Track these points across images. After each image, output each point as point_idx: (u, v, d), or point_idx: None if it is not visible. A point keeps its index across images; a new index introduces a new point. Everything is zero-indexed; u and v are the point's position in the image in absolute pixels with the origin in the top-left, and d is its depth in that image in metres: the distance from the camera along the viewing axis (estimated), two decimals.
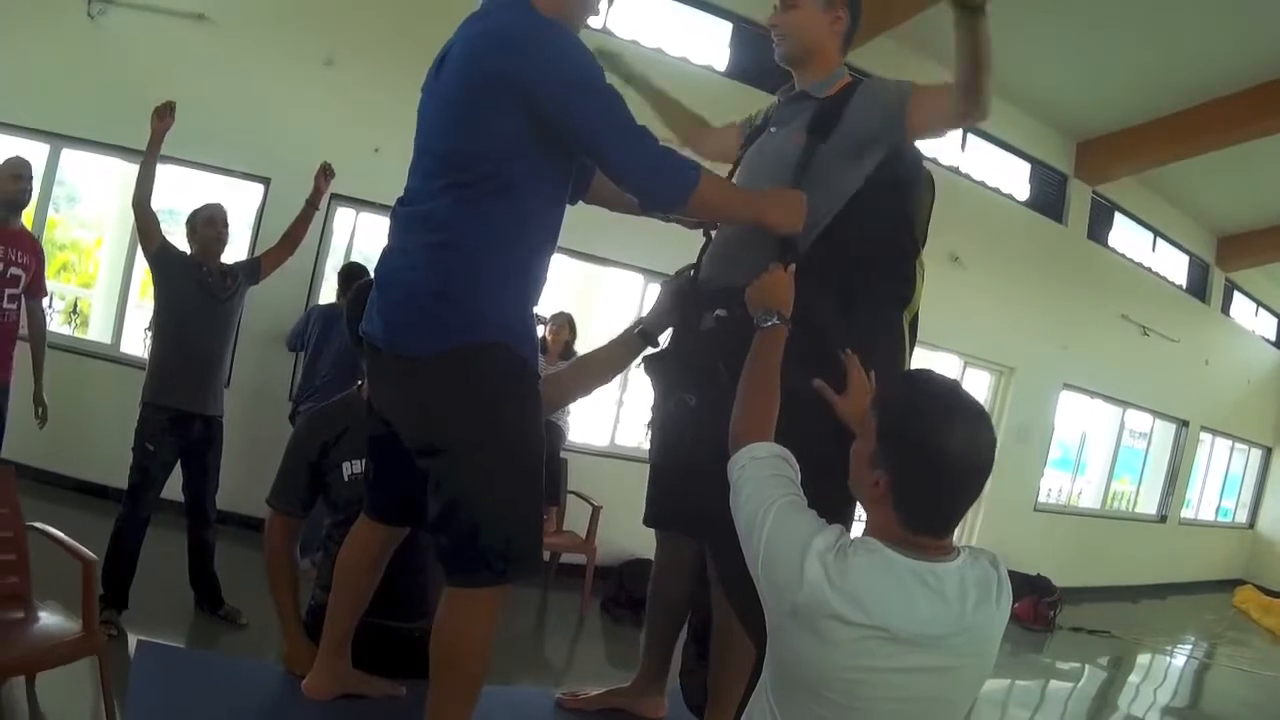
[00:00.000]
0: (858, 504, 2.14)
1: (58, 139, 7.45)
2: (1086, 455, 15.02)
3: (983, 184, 11.69)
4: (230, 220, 5.84)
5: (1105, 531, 14.33)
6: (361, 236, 8.27)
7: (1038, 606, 10.67)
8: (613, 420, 9.32)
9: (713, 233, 2.98)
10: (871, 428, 1.89)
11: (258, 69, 7.65)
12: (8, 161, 5.25)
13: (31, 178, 5.27)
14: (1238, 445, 17.80)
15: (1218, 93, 10.21)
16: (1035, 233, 12.23)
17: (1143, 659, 10.79)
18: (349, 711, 2.75)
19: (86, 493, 6.38)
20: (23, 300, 5.35)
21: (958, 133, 11.20)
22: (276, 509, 3.23)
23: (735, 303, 2.52)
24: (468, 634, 2.36)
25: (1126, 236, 13.74)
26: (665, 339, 3.08)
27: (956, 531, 1.91)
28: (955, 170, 11.31)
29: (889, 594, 1.75)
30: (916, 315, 2.87)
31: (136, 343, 7.92)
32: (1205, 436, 16.50)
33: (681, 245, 2.98)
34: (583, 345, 7.97)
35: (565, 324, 8.01)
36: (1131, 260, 13.87)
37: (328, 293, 8.14)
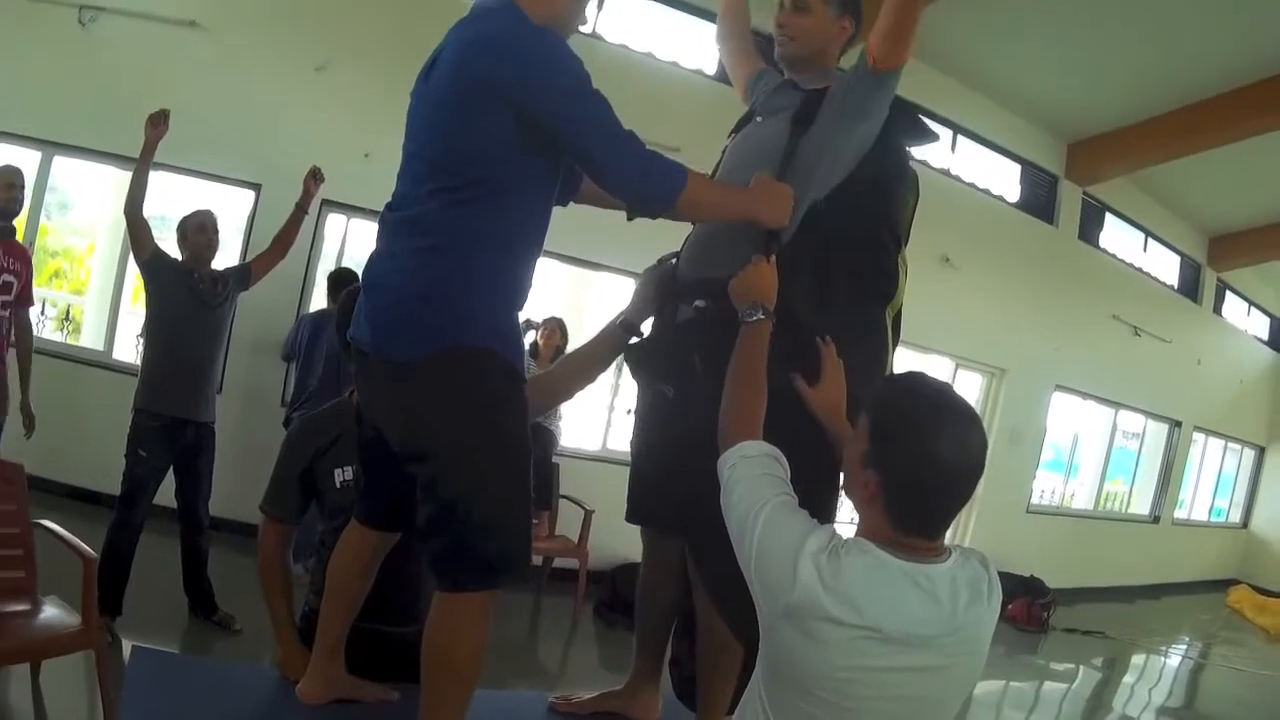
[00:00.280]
0: (840, 503, 2.16)
1: (50, 146, 7.43)
2: (1079, 457, 15.02)
3: (973, 186, 11.71)
4: (221, 226, 5.85)
5: (1098, 532, 14.35)
6: (353, 242, 8.26)
7: (1031, 608, 10.67)
8: (604, 424, 9.33)
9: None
10: (864, 430, 1.90)
11: (249, 75, 7.66)
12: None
13: (23, 186, 5.27)
14: (1231, 445, 17.81)
15: (1208, 92, 10.23)
16: (1026, 234, 12.25)
17: (1137, 659, 10.79)
18: (342, 716, 2.75)
19: (79, 499, 6.38)
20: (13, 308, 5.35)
21: (947, 135, 11.22)
22: (269, 515, 3.23)
23: (715, 294, 2.53)
24: (459, 638, 2.36)
25: (1118, 237, 13.76)
26: (648, 328, 3.08)
27: (949, 533, 1.92)
28: (946, 172, 11.33)
29: (881, 595, 1.76)
30: (899, 312, 2.87)
31: (129, 349, 7.92)
32: (1198, 436, 16.52)
33: (673, 248, 2.98)
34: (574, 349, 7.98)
35: (557, 328, 8.02)
36: (1123, 261, 13.89)
37: (319, 299, 8.13)
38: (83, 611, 4.03)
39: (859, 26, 2.87)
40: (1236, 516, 18.47)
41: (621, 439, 9.10)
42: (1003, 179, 12.14)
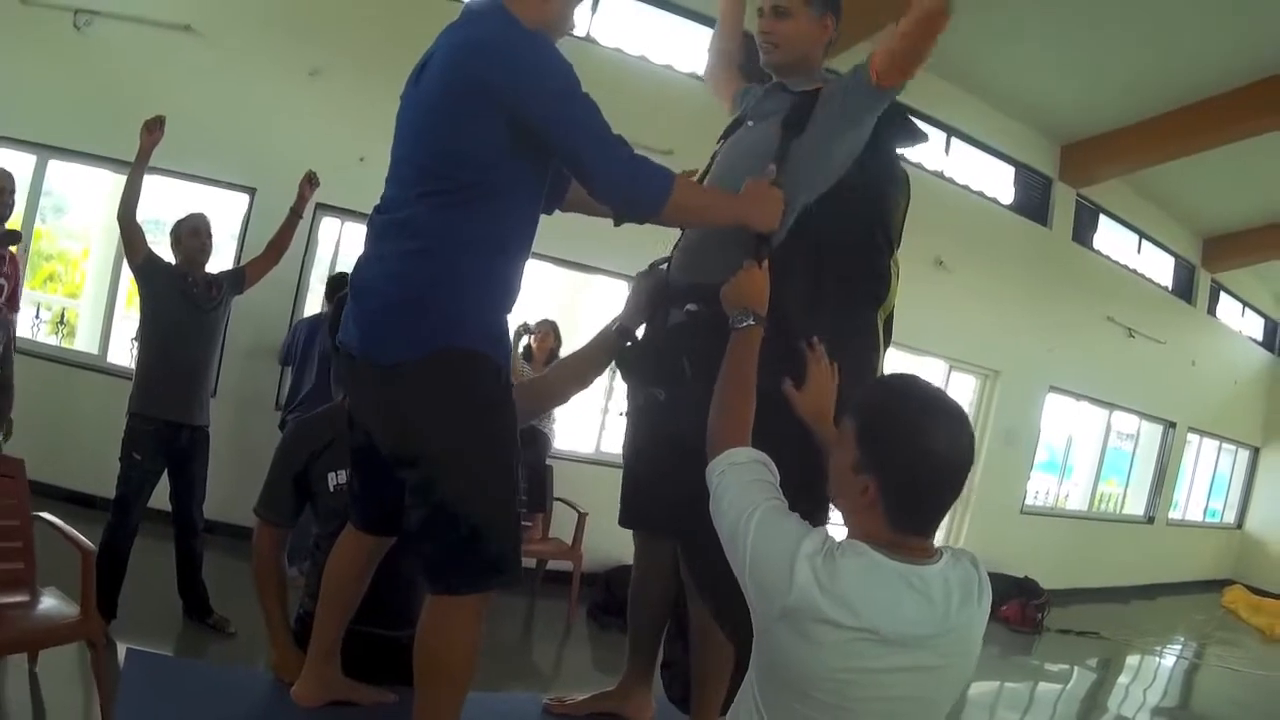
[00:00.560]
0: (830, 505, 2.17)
1: (44, 150, 7.44)
2: (1073, 458, 15.03)
3: (967, 188, 11.72)
4: (215, 230, 5.87)
5: (1093, 533, 14.36)
6: (347, 246, 8.26)
7: (1025, 609, 10.68)
8: (598, 427, 9.33)
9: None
10: (850, 436, 1.91)
11: (244, 79, 7.66)
12: None
13: (13, 190, 5.27)
14: (1225, 445, 17.84)
15: (1202, 94, 10.24)
16: (1020, 236, 12.27)
17: (1132, 660, 10.81)
18: (338, 718, 2.75)
19: (74, 502, 6.36)
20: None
21: (941, 137, 11.23)
22: (264, 519, 3.24)
23: (706, 299, 2.54)
24: (452, 642, 2.37)
25: (1111, 239, 13.78)
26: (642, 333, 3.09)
27: (944, 535, 1.94)
28: (939, 174, 11.34)
29: (877, 596, 1.77)
30: (891, 314, 2.87)
31: (123, 353, 7.92)
32: (1192, 437, 16.54)
33: (665, 252, 2.99)
34: (568, 352, 7.98)
35: (550, 332, 8.02)
36: (1117, 262, 13.90)
37: (313, 303, 8.15)
38: (81, 602, 4.13)
39: (839, 21, 2.86)
40: (1231, 517, 18.49)
41: (615, 442, 9.10)
42: (996, 181, 12.16)
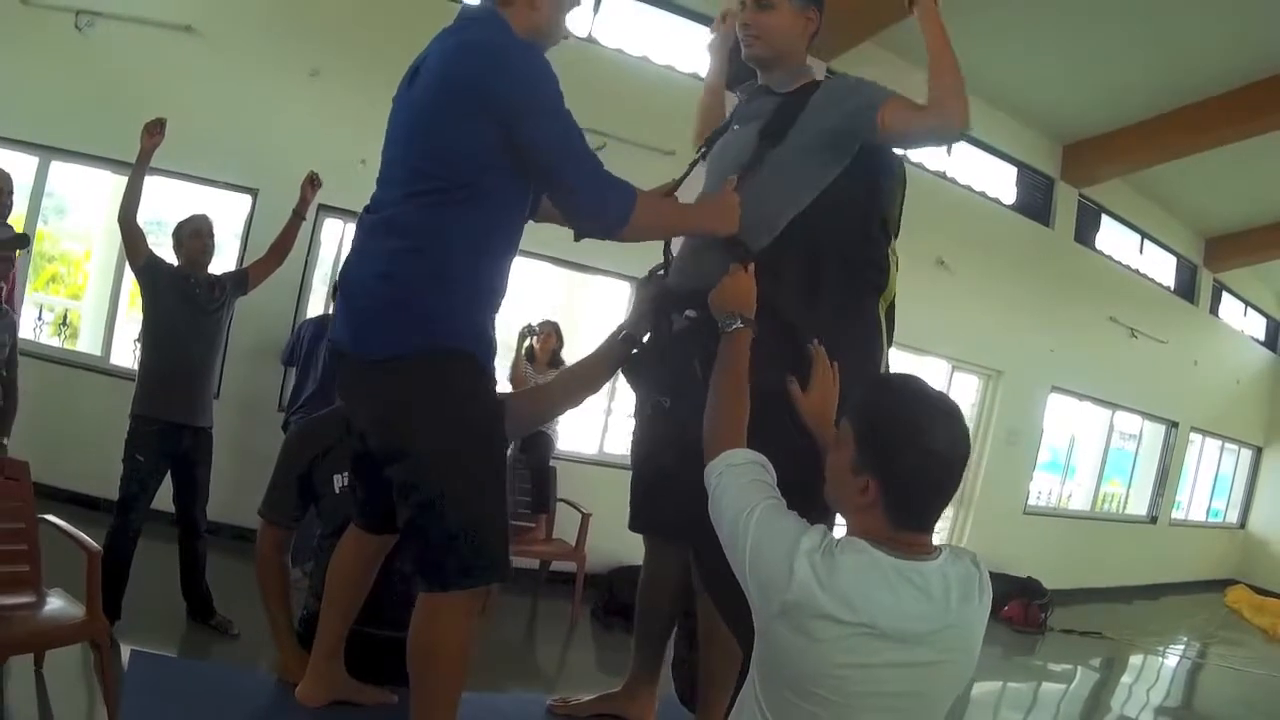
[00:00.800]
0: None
1: (46, 151, 7.44)
2: (1076, 458, 15.02)
3: (969, 188, 11.72)
4: (217, 231, 5.88)
5: (1096, 533, 14.36)
6: (349, 247, 8.24)
7: (1029, 609, 10.68)
8: (601, 428, 9.33)
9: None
10: (849, 436, 1.93)
11: (244, 80, 7.67)
12: None
13: (11, 190, 5.27)
14: (1228, 445, 17.82)
15: (1204, 94, 10.25)
16: (1022, 236, 12.27)
17: (1135, 660, 10.82)
18: (341, 718, 2.76)
19: (77, 504, 6.36)
20: None
21: None
22: (267, 519, 3.24)
23: (705, 304, 2.53)
24: (444, 638, 2.39)
25: (1114, 239, 13.78)
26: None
27: (946, 535, 1.95)
28: (941, 175, 11.34)
29: (876, 592, 1.79)
30: (893, 303, 2.85)
31: (126, 354, 7.93)
32: (1195, 437, 16.53)
33: (659, 254, 2.98)
34: (570, 353, 8.01)
35: (552, 332, 8.03)
36: (1119, 262, 13.91)
37: (315, 304, 8.16)
38: (87, 602, 4.16)
39: (823, 13, 2.83)
40: (1234, 517, 18.49)
41: (619, 442, 9.11)
42: (998, 181, 12.16)
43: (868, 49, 8.70)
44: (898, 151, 2.93)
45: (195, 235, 5.69)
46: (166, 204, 7.23)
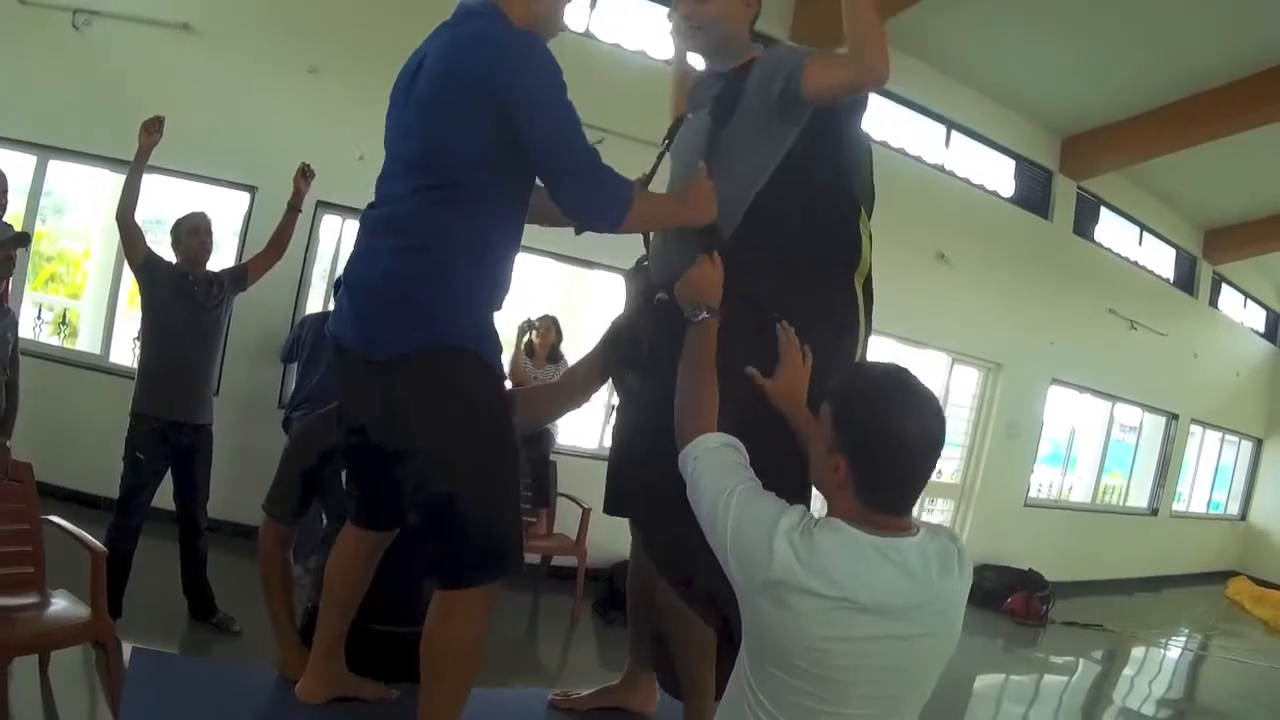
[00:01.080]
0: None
1: (44, 150, 7.44)
2: (1076, 450, 15.02)
3: (967, 181, 11.71)
4: (216, 229, 5.88)
5: (1097, 526, 14.37)
6: (348, 244, 8.25)
7: (1030, 601, 10.69)
8: (601, 422, 9.32)
9: None
10: (827, 418, 1.97)
11: (242, 77, 7.66)
12: None
13: (6, 190, 5.26)
14: (1228, 437, 17.85)
15: (1203, 86, 10.26)
16: (1021, 229, 12.26)
17: (1137, 652, 10.82)
18: (342, 714, 2.76)
19: (77, 503, 6.36)
20: None
21: (941, 130, 11.25)
22: (270, 515, 3.23)
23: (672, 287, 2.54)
24: (459, 635, 2.40)
25: (1113, 231, 13.78)
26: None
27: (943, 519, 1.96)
28: (940, 168, 11.33)
29: (854, 568, 1.84)
30: (870, 278, 2.81)
31: (125, 352, 7.93)
32: (1195, 429, 16.54)
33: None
34: (569, 347, 8.01)
35: (552, 327, 8.03)
36: (1118, 255, 13.90)
37: (315, 300, 8.16)
38: (91, 602, 4.17)
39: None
40: (1235, 508, 18.51)
41: None
42: (997, 174, 12.15)
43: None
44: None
45: (193, 233, 5.69)
46: (165, 202, 7.22)
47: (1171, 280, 15.10)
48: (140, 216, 5.52)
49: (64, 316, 9.68)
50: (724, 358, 2.39)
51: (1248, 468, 18.54)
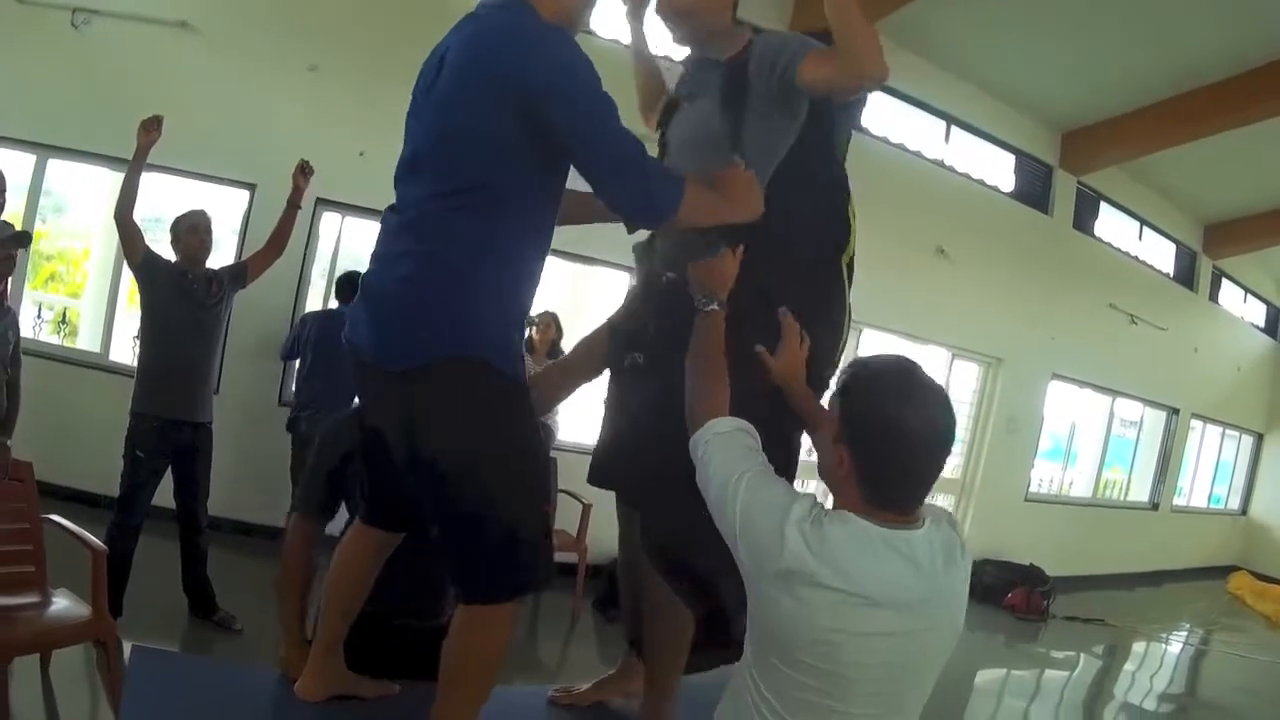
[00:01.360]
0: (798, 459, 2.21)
1: (44, 149, 7.45)
2: (1076, 445, 15.02)
3: (967, 176, 11.69)
4: (215, 227, 5.88)
5: (1097, 520, 14.37)
6: (348, 240, 8.26)
7: (1031, 596, 10.69)
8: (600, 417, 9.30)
9: None
10: (835, 410, 1.97)
11: (242, 75, 7.66)
12: None
13: (4, 189, 5.26)
14: (1229, 432, 17.83)
15: (1203, 80, 10.24)
16: (1021, 224, 12.26)
17: (1138, 647, 10.83)
18: (341, 713, 2.76)
19: (78, 501, 6.36)
20: None
21: (940, 125, 11.25)
22: (298, 510, 3.23)
23: (680, 268, 2.53)
24: (484, 649, 2.38)
25: (1113, 226, 13.77)
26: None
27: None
28: (940, 163, 11.33)
29: (865, 562, 1.83)
30: (853, 259, 2.80)
31: (125, 351, 7.93)
32: (1196, 424, 16.53)
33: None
34: (569, 344, 7.99)
35: (552, 323, 8.03)
36: (1118, 249, 13.90)
37: (315, 298, 8.16)
38: (92, 601, 4.19)
39: None
40: (1235, 503, 18.50)
41: None
42: (997, 169, 12.14)
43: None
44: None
45: (193, 231, 5.69)
46: (164, 200, 7.22)
47: (1171, 275, 15.08)
48: (140, 215, 5.52)
49: (64, 315, 9.68)
50: (731, 346, 2.38)
51: (1248, 462, 18.52)
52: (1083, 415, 14.87)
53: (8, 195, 5.17)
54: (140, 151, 5.39)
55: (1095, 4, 8.96)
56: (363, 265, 2.55)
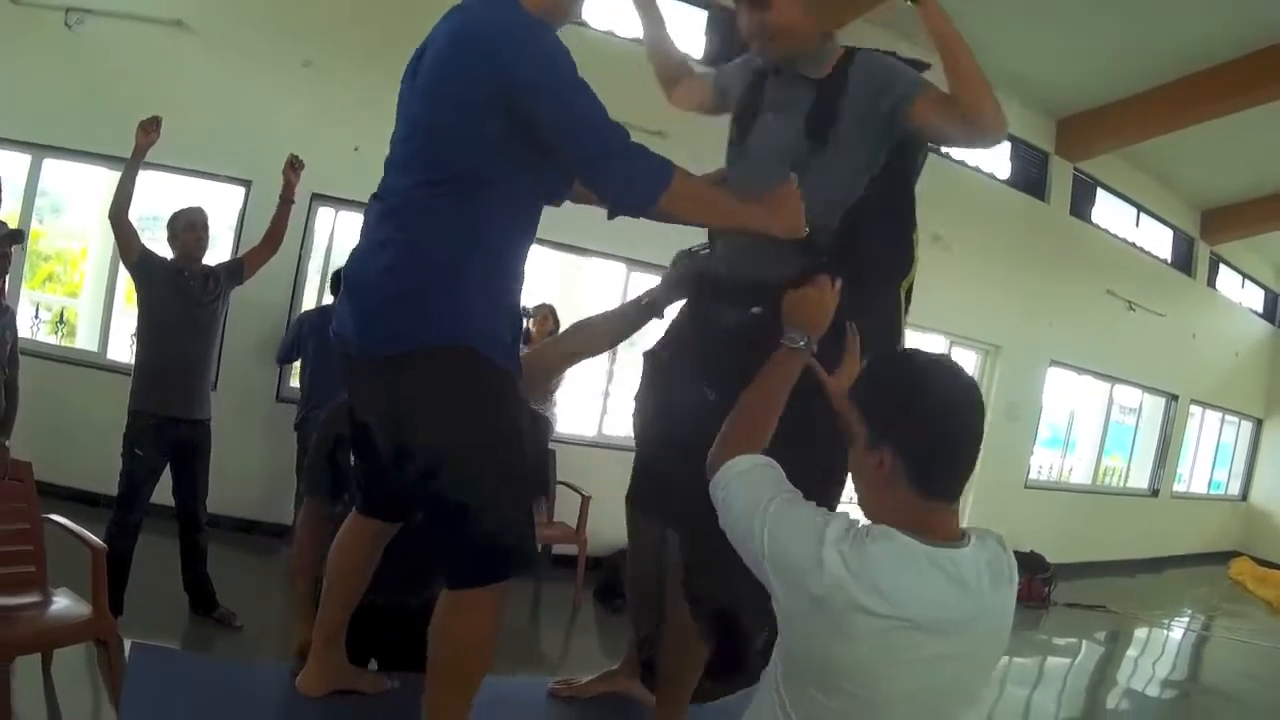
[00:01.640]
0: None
1: (39, 149, 7.44)
2: (1076, 432, 15.02)
3: (963, 163, 11.68)
4: (212, 223, 5.88)
5: (1098, 507, 14.40)
6: (342, 236, 8.24)
7: (1032, 583, 10.68)
8: (599, 410, 9.32)
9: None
10: (857, 416, 1.89)
11: (236, 72, 7.66)
12: None
13: (0, 189, 5.25)
14: (1228, 417, 17.83)
15: (1199, 65, 10.20)
16: (1018, 211, 12.27)
17: (1140, 633, 10.84)
18: (342, 708, 2.76)
19: (77, 500, 6.35)
20: None
21: None
22: (307, 495, 3.24)
23: (771, 300, 2.44)
24: (470, 634, 2.36)
25: (1110, 212, 13.76)
26: (673, 311, 3.04)
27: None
28: (935, 150, 11.26)
29: (909, 582, 1.72)
30: (912, 284, 2.81)
31: (123, 349, 7.92)
32: (1195, 410, 16.54)
33: (663, 236, 2.86)
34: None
35: (549, 315, 8.05)
36: (1116, 236, 13.89)
37: (310, 296, 8.16)
38: (92, 600, 4.19)
39: None
40: (1235, 489, 18.52)
41: (618, 424, 9.09)
42: (993, 156, 12.10)
43: (867, 31, 8.68)
44: None
45: (189, 228, 5.68)
46: (160, 197, 7.21)
47: (1169, 261, 15.08)
48: (136, 213, 5.52)
49: (61, 315, 9.68)
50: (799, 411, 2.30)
51: (1248, 448, 18.53)
52: (1082, 402, 14.87)
53: (4, 195, 5.17)
54: (138, 152, 5.39)
55: None
56: None
